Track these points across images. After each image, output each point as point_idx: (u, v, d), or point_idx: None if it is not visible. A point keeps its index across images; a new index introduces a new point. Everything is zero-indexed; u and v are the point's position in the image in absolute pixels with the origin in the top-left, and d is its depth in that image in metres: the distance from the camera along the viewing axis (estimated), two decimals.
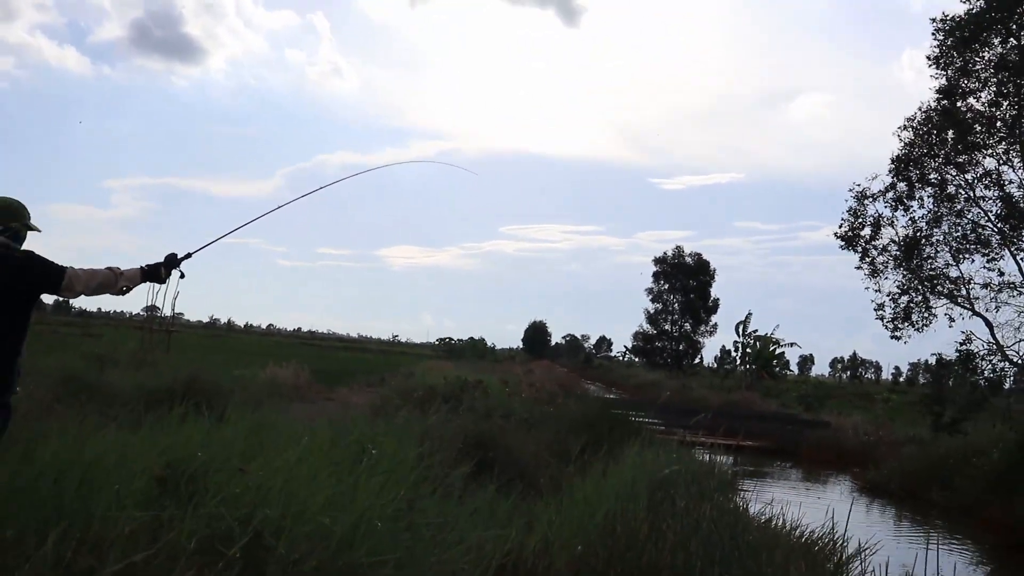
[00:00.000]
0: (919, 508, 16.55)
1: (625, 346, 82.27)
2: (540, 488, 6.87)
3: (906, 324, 22.87)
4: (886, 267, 23.14)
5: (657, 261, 71.16)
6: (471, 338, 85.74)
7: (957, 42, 21.72)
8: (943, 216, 22.72)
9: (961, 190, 22.48)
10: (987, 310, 22.19)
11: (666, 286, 70.66)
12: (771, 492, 12.56)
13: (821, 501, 9.41)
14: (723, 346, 69.90)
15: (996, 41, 21.63)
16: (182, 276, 5.73)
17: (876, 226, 23.14)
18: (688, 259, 70.60)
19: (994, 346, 21.64)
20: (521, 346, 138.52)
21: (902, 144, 22.52)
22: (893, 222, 23.14)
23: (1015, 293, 21.96)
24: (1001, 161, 21.92)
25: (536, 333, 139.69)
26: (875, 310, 23.31)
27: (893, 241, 23.08)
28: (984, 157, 22.06)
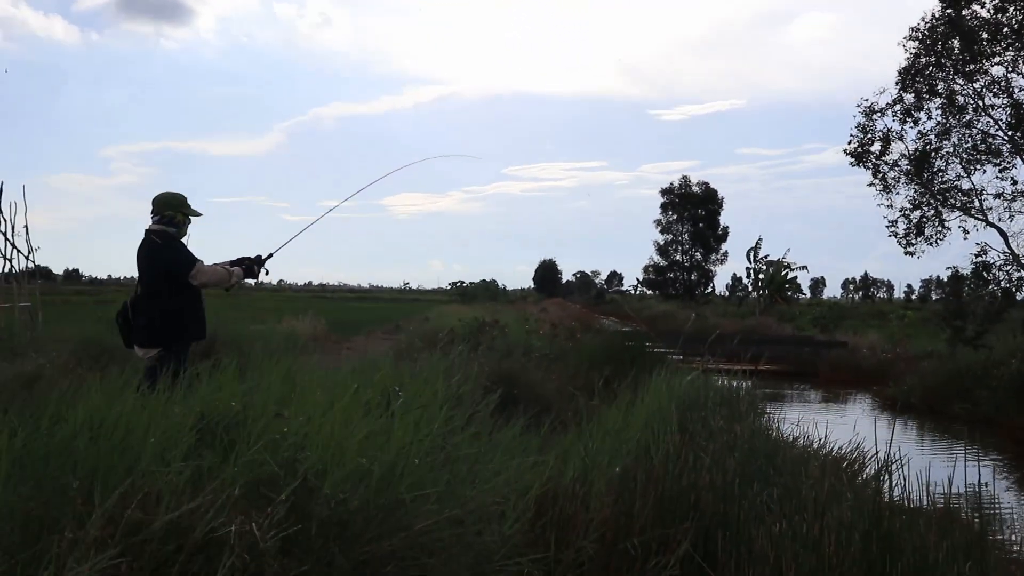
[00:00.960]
0: (941, 421, 16.60)
1: (637, 279, 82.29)
2: (567, 421, 6.89)
3: (919, 239, 22.78)
4: (897, 182, 22.97)
5: (664, 192, 70.97)
6: (483, 281, 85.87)
7: None
8: (952, 128, 22.49)
9: (969, 100, 22.22)
10: (1000, 220, 22.09)
11: (675, 217, 70.53)
12: (794, 413, 12.60)
13: (844, 419, 9.44)
14: (734, 273, 69.99)
15: None
16: (267, 272, 7.19)
17: (886, 141, 22.92)
18: (696, 188, 70.37)
19: (1009, 256, 21.54)
20: (532, 286, 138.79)
21: (908, 55, 22.22)
22: (902, 136, 22.93)
23: None
24: (1009, 68, 21.64)
25: (547, 272, 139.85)
26: (887, 227, 23.21)
27: (903, 155, 22.89)
28: (992, 65, 21.77)
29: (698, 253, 70.59)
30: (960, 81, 22.02)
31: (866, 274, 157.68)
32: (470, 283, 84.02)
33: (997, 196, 22.06)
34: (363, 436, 3.99)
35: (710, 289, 73.91)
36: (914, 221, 22.83)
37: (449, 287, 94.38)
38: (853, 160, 23.08)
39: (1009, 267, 21.63)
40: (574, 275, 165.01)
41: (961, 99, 22.17)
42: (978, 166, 22.34)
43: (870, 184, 23.10)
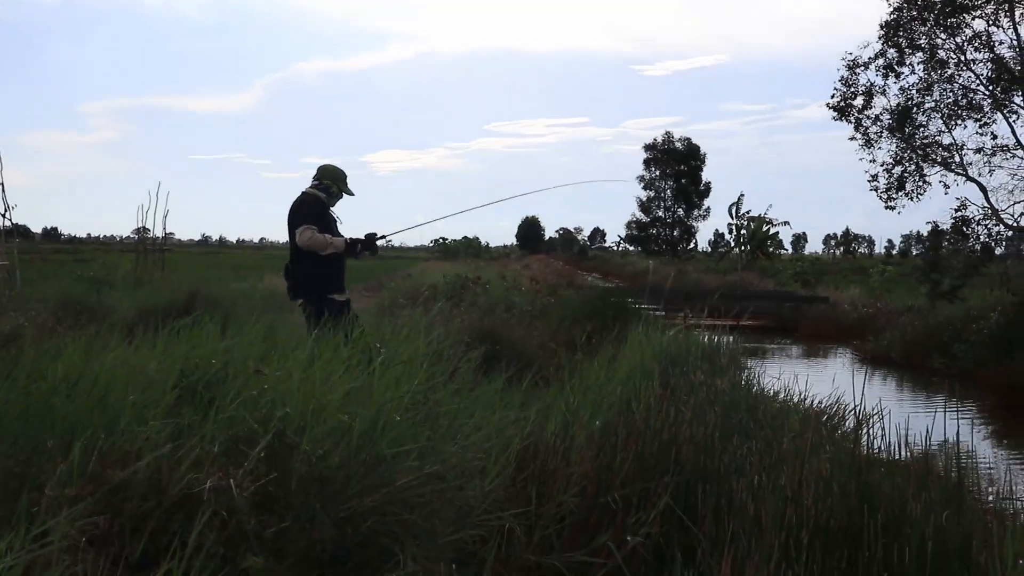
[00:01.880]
0: (920, 375, 16.76)
1: (619, 236, 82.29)
2: (548, 377, 6.90)
3: (900, 194, 22.77)
4: (879, 137, 22.92)
5: (647, 148, 70.62)
6: (465, 237, 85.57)
7: None
8: (934, 82, 22.40)
9: (951, 55, 22.14)
10: (980, 175, 22.07)
11: (657, 173, 70.32)
12: (776, 368, 12.68)
13: (825, 373, 9.53)
14: (716, 229, 70.05)
15: None
16: (369, 254, 7.79)
17: (868, 95, 22.82)
18: (678, 144, 70.10)
19: (989, 210, 21.60)
20: (515, 242, 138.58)
21: (891, 8, 22.09)
22: (885, 91, 22.84)
23: (1008, 156, 21.83)
24: (990, 22, 21.54)
25: (529, 229, 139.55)
26: (869, 181, 23.17)
27: (886, 110, 22.81)
28: (973, 19, 21.66)
29: (680, 209, 70.50)
30: (942, 35, 21.95)
31: (847, 229, 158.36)
32: (452, 240, 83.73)
33: (977, 151, 22.04)
34: (344, 392, 3.98)
35: (692, 245, 73.99)
36: (895, 176, 22.81)
37: (431, 244, 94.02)
38: (836, 114, 23.01)
39: (988, 222, 21.69)
40: (557, 231, 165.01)
41: (943, 54, 22.10)
42: (959, 121, 22.29)
43: (852, 138, 23.06)
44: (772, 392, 7.69)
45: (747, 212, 53.37)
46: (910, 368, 17.46)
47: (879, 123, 22.87)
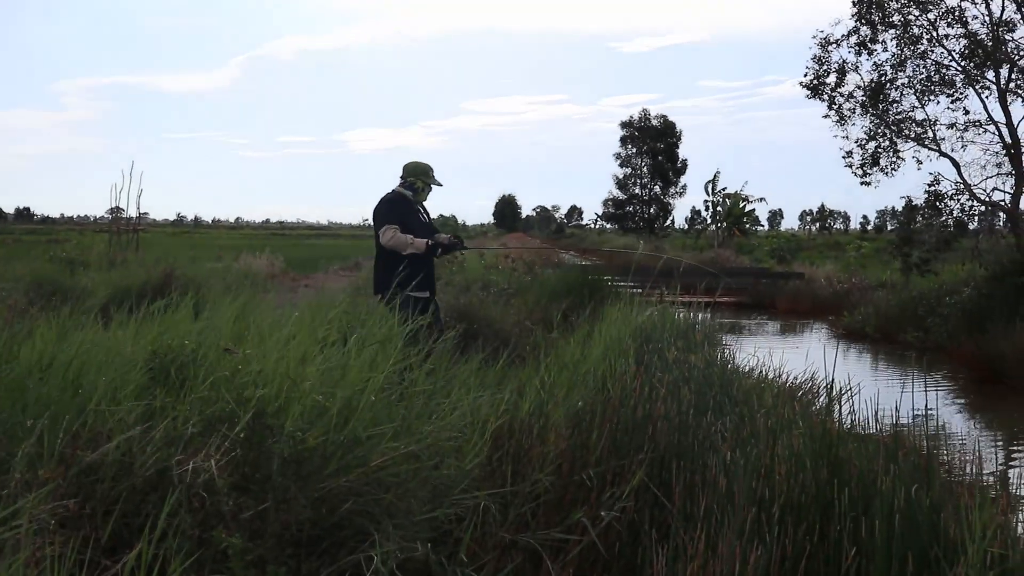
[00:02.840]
0: (895, 350, 16.92)
1: (596, 213, 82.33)
2: (524, 356, 6.93)
3: (875, 169, 22.88)
4: (853, 113, 22.99)
5: (624, 125, 70.70)
6: (441, 216, 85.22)
7: None
8: (907, 58, 22.48)
9: (924, 30, 22.21)
10: (953, 150, 22.20)
11: (633, 150, 70.36)
12: (752, 344, 12.76)
13: (800, 349, 9.61)
14: (693, 207, 70.26)
15: None
16: (454, 256, 8.01)
17: (841, 72, 22.88)
18: (654, 122, 70.18)
19: (961, 185, 21.75)
20: (492, 221, 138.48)
21: None
22: (858, 67, 22.90)
23: (980, 131, 21.97)
24: None
25: (506, 207, 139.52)
26: (843, 157, 23.26)
27: (859, 87, 22.88)
28: None
29: (657, 187, 70.66)
30: (915, 11, 22.00)
31: (823, 205, 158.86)
32: (430, 219, 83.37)
33: (950, 126, 22.15)
34: (320, 373, 3.98)
35: (669, 222, 74.19)
36: (869, 152, 22.92)
37: None
38: (809, 92, 23.08)
39: (961, 197, 21.84)
40: (534, 210, 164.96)
41: (916, 29, 22.16)
42: (932, 97, 22.40)
43: (825, 116, 23.12)
44: (747, 369, 7.75)
45: (723, 189, 53.62)
46: (884, 342, 17.63)
47: (852, 99, 22.95)
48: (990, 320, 14.40)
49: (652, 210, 70.97)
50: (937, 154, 22.31)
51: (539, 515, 4.00)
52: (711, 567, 3.52)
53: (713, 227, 54.87)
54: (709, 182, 54.13)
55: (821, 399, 7.14)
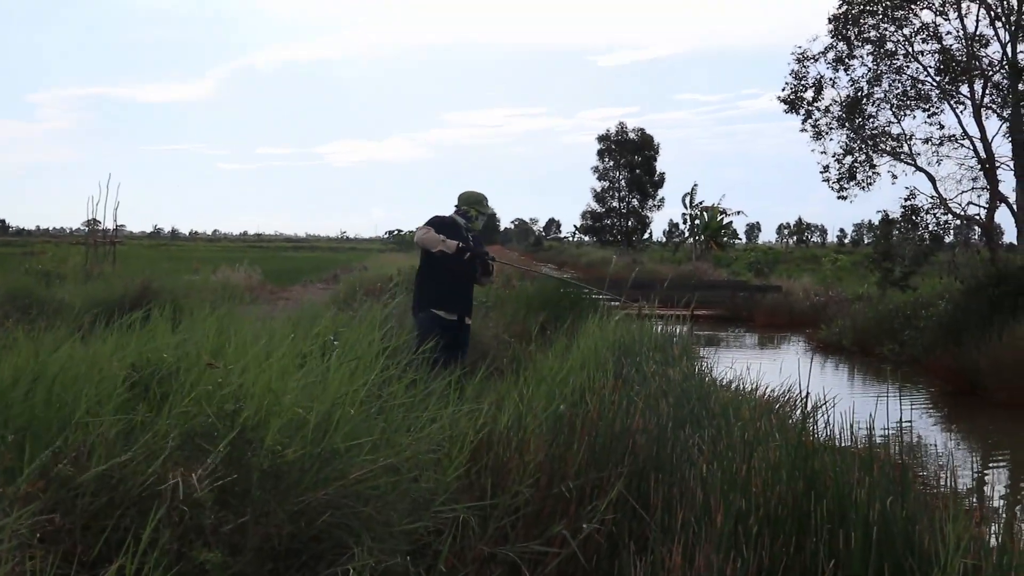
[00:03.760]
0: (871, 362, 17.05)
1: (575, 226, 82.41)
2: (503, 369, 6.94)
3: (851, 184, 23.11)
4: (830, 128, 23.23)
5: (601, 139, 70.81)
6: None
7: None
8: (883, 74, 22.75)
9: (900, 46, 22.47)
10: (929, 164, 22.47)
11: (611, 163, 70.52)
12: (729, 357, 12.82)
13: (777, 362, 9.66)
14: (671, 220, 70.43)
15: None
16: (480, 267, 7.71)
17: (818, 88, 23.13)
18: (632, 135, 70.35)
19: (937, 199, 21.98)
20: None
21: (840, 1, 22.38)
22: (835, 83, 23.15)
23: (955, 146, 22.23)
24: (938, 13, 21.91)
25: (485, 219, 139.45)
26: (820, 172, 23.51)
27: (835, 102, 23.12)
28: (921, 10, 22.02)
29: (635, 200, 70.79)
30: (890, 27, 22.26)
31: (800, 219, 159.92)
32: (408, 232, 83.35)
33: (926, 141, 22.44)
34: (300, 386, 3.98)
35: (647, 235, 74.34)
36: (846, 166, 23.15)
37: (386, 235, 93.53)
38: (787, 107, 23.31)
39: (937, 211, 22.08)
40: (512, 222, 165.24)
41: (891, 44, 22.43)
42: (907, 112, 22.68)
43: (802, 130, 23.36)
44: (724, 382, 7.79)
45: (701, 202, 53.82)
46: (861, 355, 17.75)
47: (829, 114, 23.18)
48: (965, 333, 14.54)
49: (630, 223, 71.07)
50: (913, 168, 22.57)
51: (518, 528, 4.02)
52: None
53: (691, 240, 55.06)
54: (687, 195, 54.36)
55: (798, 412, 7.19)
